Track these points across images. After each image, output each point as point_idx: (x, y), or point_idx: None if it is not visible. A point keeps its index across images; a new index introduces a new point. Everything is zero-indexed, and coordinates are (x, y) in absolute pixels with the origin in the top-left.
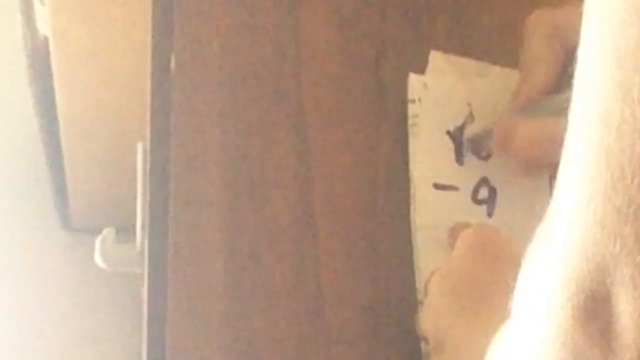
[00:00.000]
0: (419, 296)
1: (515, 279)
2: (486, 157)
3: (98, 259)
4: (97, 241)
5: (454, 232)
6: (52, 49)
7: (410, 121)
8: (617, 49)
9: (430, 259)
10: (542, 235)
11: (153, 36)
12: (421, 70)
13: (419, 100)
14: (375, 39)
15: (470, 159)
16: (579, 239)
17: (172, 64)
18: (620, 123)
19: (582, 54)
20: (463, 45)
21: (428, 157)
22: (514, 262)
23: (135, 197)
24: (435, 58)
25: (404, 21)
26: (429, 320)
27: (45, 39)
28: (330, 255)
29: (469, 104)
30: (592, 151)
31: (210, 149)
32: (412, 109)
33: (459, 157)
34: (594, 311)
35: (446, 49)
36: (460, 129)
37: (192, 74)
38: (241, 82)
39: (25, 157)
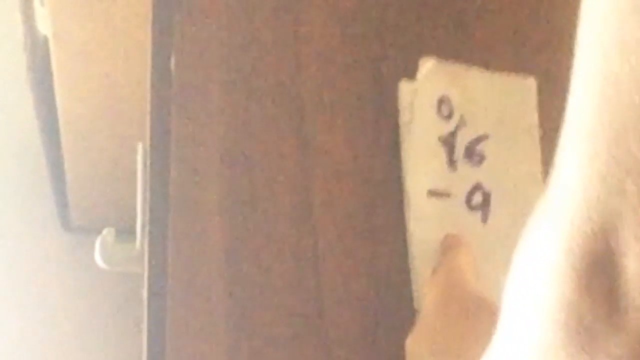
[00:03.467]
0: (416, 304)
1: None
2: (479, 162)
3: (98, 259)
4: (97, 241)
5: (445, 243)
6: (52, 49)
7: (401, 128)
8: (617, 2)
9: (426, 268)
10: (541, 210)
11: (153, 36)
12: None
13: (410, 106)
14: (375, 39)
15: (463, 164)
16: (582, 200)
17: (172, 64)
18: (620, 75)
19: (584, 14)
20: (458, 51)
21: (421, 164)
22: (480, 305)
23: (135, 197)
24: (426, 64)
25: (404, 21)
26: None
27: (45, 39)
28: (330, 255)
29: (461, 109)
30: (595, 107)
31: (210, 149)
32: (403, 116)
33: (452, 163)
34: (598, 273)
35: (443, 51)
36: (453, 134)
37: (192, 74)
38: (241, 82)
39: (25, 157)
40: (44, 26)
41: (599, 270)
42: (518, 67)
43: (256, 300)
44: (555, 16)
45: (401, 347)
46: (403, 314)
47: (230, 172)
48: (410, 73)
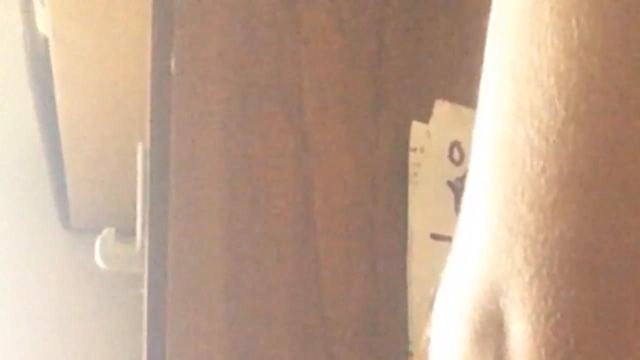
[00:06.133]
0: (410, 347)
1: None
2: None
3: (98, 259)
4: (97, 241)
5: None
6: (52, 49)
7: (411, 170)
8: (510, 65)
9: (424, 312)
10: (451, 257)
11: (153, 36)
12: (422, 73)
13: (421, 149)
14: (375, 39)
15: None
16: (476, 259)
17: (172, 64)
18: (513, 138)
19: (483, 77)
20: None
21: (427, 206)
22: None
23: (135, 197)
24: (440, 107)
25: (404, 21)
26: None
27: (45, 39)
28: (330, 255)
29: None
30: (489, 169)
31: (210, 149)
32: (413, 157)
33: (459, 208)
34: (489, 334)
35: (443, 52)
36: (462, 179)
37: (192, 75)
38: (241, 82)
39: (25, 157)
40: (44, 26)
41: (490, 330)
42: None
43: (256, 300)
44: None
45: (401, 347)
46: (403, 313)
47: (230, 172)
48: (410, 72)
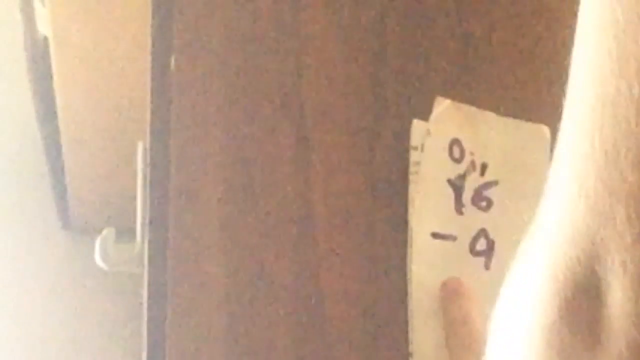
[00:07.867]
0: (410, 347)
1: None
2: (486, 208)
3: (98, 259)
4: (97, 241)
5: (445, 290)
6: (52, 49)
7: (411, 168)
8: (614, 21)
9: (424, 311)
10: (530, 235)
11: (153, 36)
12: (422, 72)
13: (421, 147)
14: (375, 39)
15: (470, 209)
16: (570, 226)
17: (172, 64)
18: (615, 96)
19: (579, 32)
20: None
21: (428, 205)
22: None
23: (135, 197)
24: (441, 104)
25: (405, 22)
26: None
27: (45, 39)
28: (330, 255)
29: (472, 153)
30: (586, 129)
31: (210, 149)
32: (414, 155)
33: (459, 207)
34: (582, 302)
35: (443, 53)
36: (462, 177)
37: (192, 74)
38: (241, 82)
39: (25, 157)
40: (44, 26)
41: (583, 299)
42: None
43: (256, 300)
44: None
45: (401, 347)
46: (403, 313)
47: (230, 172)
48: (410, 73)
